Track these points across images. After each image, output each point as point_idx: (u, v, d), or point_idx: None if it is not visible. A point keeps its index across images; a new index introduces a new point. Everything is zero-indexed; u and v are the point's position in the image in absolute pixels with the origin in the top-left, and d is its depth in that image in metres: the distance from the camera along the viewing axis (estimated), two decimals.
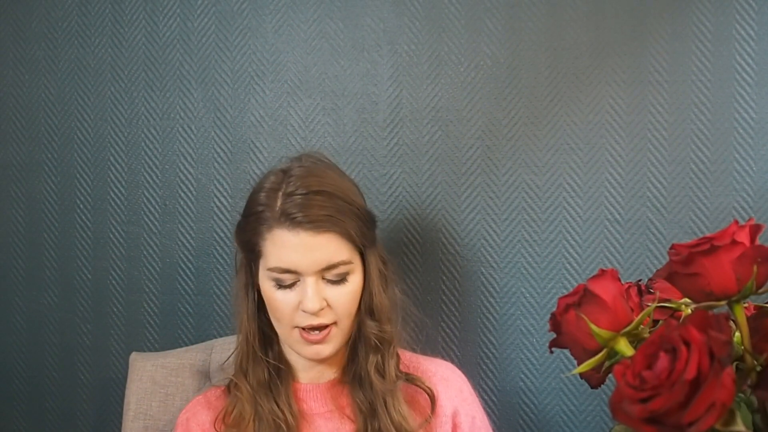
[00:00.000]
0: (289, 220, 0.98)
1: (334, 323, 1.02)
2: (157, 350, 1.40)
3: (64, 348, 1.46)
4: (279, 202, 1.00)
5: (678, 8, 1.27)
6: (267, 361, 1.07)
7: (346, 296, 1.02)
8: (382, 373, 1.06)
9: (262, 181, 1.07)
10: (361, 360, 1.07)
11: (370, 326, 1.05)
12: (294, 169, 1.04)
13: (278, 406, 1.05)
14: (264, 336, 1.08)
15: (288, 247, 0.99)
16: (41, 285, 1.46)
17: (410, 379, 1.09)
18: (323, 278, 1.01)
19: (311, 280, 0.99)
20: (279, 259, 1.00)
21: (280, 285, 1.01)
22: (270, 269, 1.01)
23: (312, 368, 1.10)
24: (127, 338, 1.43)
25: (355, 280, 1.03)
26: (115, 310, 1.44)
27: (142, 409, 1.20)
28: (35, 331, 1.47)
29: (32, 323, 1.47)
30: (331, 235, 0.99)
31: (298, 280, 1.00)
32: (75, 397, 1.46)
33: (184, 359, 1.23)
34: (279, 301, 1.01)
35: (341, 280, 1.02)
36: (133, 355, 1.25)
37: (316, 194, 1.00)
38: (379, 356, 1.06)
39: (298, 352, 1.06)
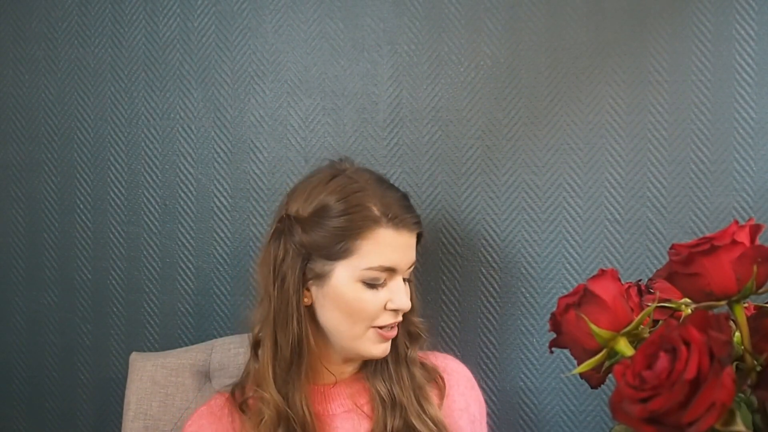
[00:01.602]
0: (393, 221, 1.02)
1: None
2: (157, 350, 1.40)
3: (64, 348, 1.46)
4: (374, 203, 1.02)
5: (678, 8, 1.27)
6: (305, 365, 1.05)
7: (410, 294, 1.08)
8: (415, 364, 1.10)
9: (320, 183, 1.05)
10: (390, 355, 1.08)
11: (414, 320, 1.11)
12: (351, 171, 1.06)
13: (304, 412, 1.03)
14: (309, 340, 1.05)
15: (392, 246, 1.02)
16: (41, 285, 1.46)
17: (428, 370, 1.13)
18: (402, 278, 1.05)
19: (401, 279, 1.04)
20: (383, 257, 1.02)
21: (372, 284, 1.02)
22: (370, 268, 1.02)
23: (338, 369, 1.10)
24: (127, 338, 1.43)
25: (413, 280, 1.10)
26: (115, 310, 1.44)
27: (142, 409, 1.20)
28: (35, 331, 1.47)
29: (32, 323, 1.47)
30: (416, 236, 1.07)
31: (386, 279, 1.04)
32: (75, 397, 1.46)
33: (184, 359, 1.23)
34: (367, 301, 1.02)
35: (409, 279, 1.08)
36: (133, 355, 1.25)
37: (405, 197, 1.06)
38: (416, 347, 1.11)
39: (364, 351, 1.05)
